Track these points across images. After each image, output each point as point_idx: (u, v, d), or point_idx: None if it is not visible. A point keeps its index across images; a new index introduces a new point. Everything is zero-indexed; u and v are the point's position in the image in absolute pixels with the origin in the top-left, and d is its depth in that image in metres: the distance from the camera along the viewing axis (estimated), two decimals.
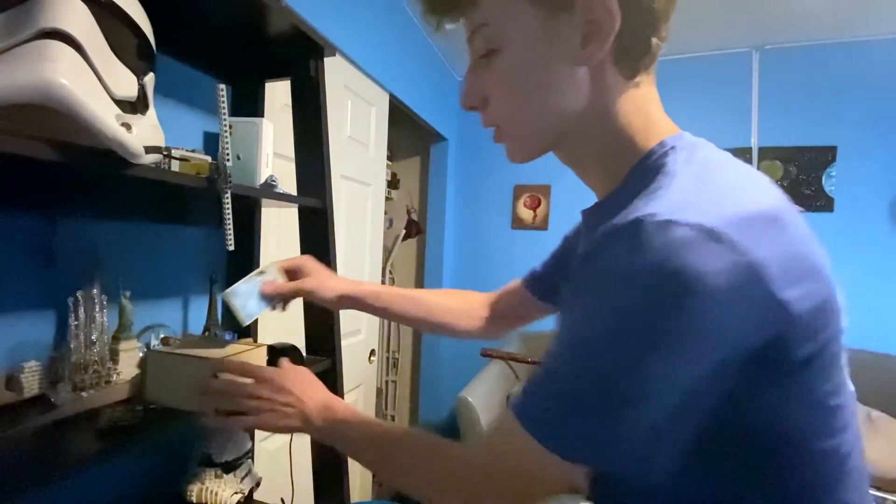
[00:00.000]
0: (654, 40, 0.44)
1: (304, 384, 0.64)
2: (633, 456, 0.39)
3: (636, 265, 0.35)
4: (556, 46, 0.44)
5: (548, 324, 2.33)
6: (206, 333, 1.06)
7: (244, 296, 0.76)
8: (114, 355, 0.82)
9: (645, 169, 0.44)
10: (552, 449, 0.39)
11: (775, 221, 0.38)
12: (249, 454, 1.09)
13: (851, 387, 0.44)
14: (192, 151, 0.85)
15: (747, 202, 0.38)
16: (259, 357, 0.85)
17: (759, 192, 0.41)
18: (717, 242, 0.34)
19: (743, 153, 2.35)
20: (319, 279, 0.82)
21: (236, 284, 0.76)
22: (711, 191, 0.39)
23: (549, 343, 0.43)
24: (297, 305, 1.12)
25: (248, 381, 0.64)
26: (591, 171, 0.52)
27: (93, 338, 0.76)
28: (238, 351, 0.79)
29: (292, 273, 0.83)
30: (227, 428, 0.80)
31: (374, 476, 2.34)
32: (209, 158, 0.85)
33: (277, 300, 0.81)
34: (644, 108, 0.47)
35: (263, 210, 1.22)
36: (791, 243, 0.38)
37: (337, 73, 1.64)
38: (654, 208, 0.36)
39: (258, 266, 1.19)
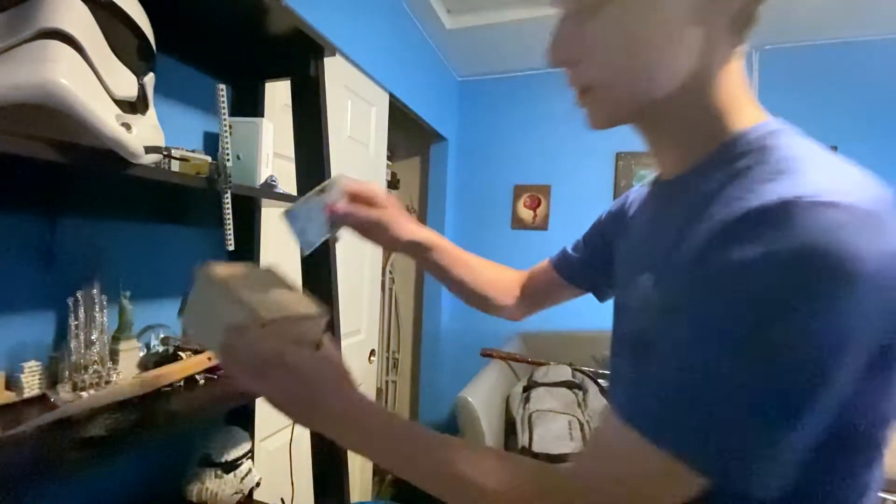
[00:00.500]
0: (758, 10, 0.41)
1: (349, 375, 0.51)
2: (775, 470, 0.34)
3: (797, 248, 0.32)
4: (677, 3, 0.39)
5: (548, 324, 2.33)
6: None
7: (303, 218, 0.61)
8: (114, 355, 0.82)
9: (746, 147, 0.41)
10: (666, 445, 0.35)
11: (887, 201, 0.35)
12: (249, 454, 1.09)
13: None
14: (192, 151, 0.85)
15: (883, 189, 0.35)
16: (315, 327, 0.80)
17: (861, 175, 0.37)
18: (878, 223, 0.32)
19: None
20: (394, 215, 0.68)
21: (295, 203, 0.62)
22: (849, 175, 0.36)
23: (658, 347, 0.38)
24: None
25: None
26: (669, 144, 0.47)
27: (93, 338, 0.76)
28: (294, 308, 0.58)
29: (360, 199, 0.67)
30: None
31: (374, 475, 2.35)
32: (209, 158, 0.85)
33: (341, 225, 0.65)
34: (741, 83, 0.44)
35: (263, 210, 1.22)
36: None
37: (337, 73, 1.64)
38: (799, 190, 0.33)
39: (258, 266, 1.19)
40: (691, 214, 0.41)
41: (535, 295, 0.85)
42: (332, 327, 1.08)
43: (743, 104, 0.44)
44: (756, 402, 0.33)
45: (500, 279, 0.85)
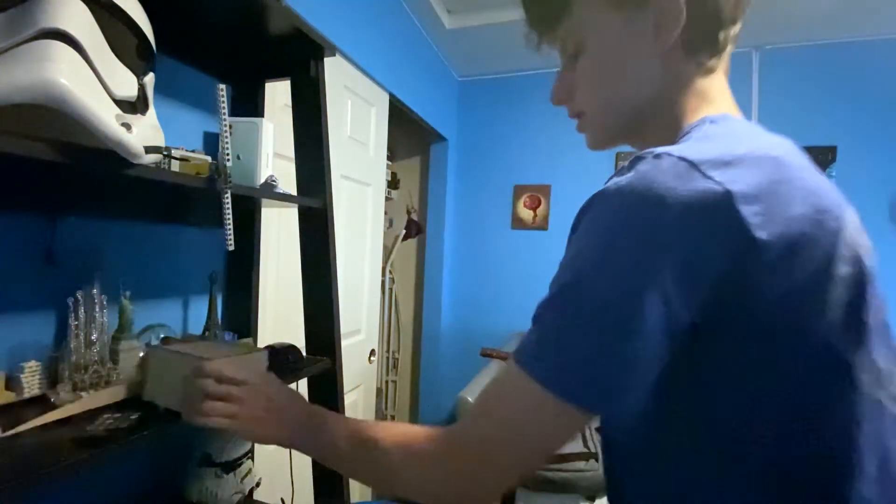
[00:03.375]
0: (722, 35, 0.49)
1: (280, 391, 0.62)
2: (616, 380, 0.39)
3: (620, 188, 0.40)
4: (634, 42, 0.50)
5: None
6: (206, 333, 1.06)
7: None
8: (114, 355, 0.81)
9: (679, 136, 0.49)
10: (548, 384, 0.40)
11: (770, 163, 0.41)
12: (249, 454, 1.09)
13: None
14: (192, 151, 0.85)
15: (740, 147, 0.42)
16: (258, 360, 0.84)
17: (761, 142, 0.44)
18: (695, 170, 0.39)
19: None
20: None
21: None
22: (712, 141, 0.44)
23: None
24: (296, 304, 1.12)
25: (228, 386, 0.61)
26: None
27: (93, 338, 0.76)
28: (235, 352, 0.78)
29: None
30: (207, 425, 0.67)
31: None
32: (209, 158, 0.85)
33: None
34: (710, 94, 0.51)
35: (263, 210, 1.22)
36: (781, 183, 0.40)
37: (337, 73, 1.64)
38: (658, 150, 0.41)
39: (258, 267, 1.19)
40: None
41: None
42: (333, 329, 1.08)
43: (701, 108, 0.51)
44: (588, 315, 0.40)
45: None
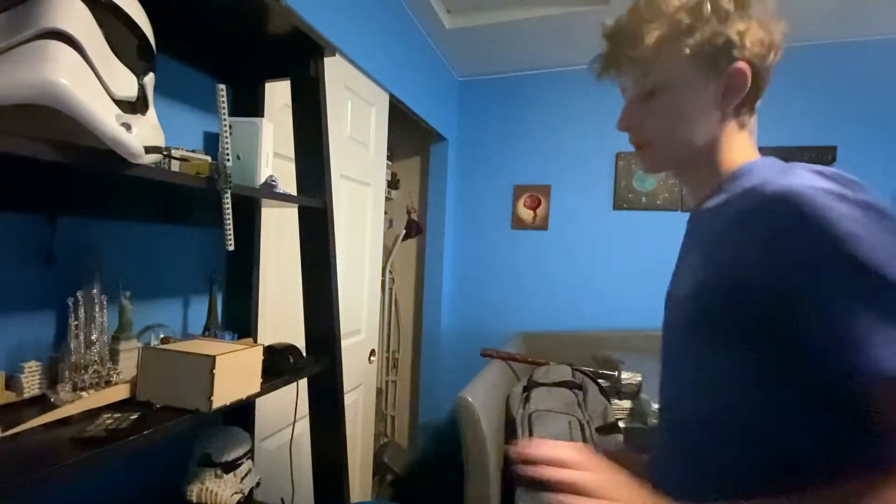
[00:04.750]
0: (758, 102, 0.64)
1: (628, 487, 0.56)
2: None
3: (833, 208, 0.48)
4: (705, 96, 0.61)
5: (548, 324, 2.32)
6: (206, 333, 1.06)
7: None
8: (114, 355, 0.82)
9: (734, 176, 0.62)
10: None
11: None
12: (249, 454, 1.09)
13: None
14: (192, 151, 0.85)
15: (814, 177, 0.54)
16: (256, 356, 0.85)
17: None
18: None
19: None
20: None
21: None
22: (786, 172, 0.55)
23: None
24: (296, 304, 1.12)
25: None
26: (691, 187, 0.69)
27: (93, 338, 0.76)
28: (235, 349, 0.79)
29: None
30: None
31: (374, 475, 2.35)
32: (209, 158, 0.85)
33: None
34: (744, 146, 0.64)
35: (263, 210, 1.22)
36: None
37: (337, 73, 1.64)
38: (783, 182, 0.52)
39: (258, 267, 1.19)
40: (703, 224, 0.63)
41: None
42: (333, 328, 1.08)
43: (735, 152, 0.63)
44: None
45: None
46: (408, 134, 2.75)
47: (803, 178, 0.50)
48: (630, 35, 0.62)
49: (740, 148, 0.64)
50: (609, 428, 1.84)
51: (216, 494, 0.97)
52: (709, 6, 0.58)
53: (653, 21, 0.61)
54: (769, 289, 0.49)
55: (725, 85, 0.60)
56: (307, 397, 1.12)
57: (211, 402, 0.71)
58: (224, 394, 0.75)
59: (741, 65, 0.59)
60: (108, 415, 0.66)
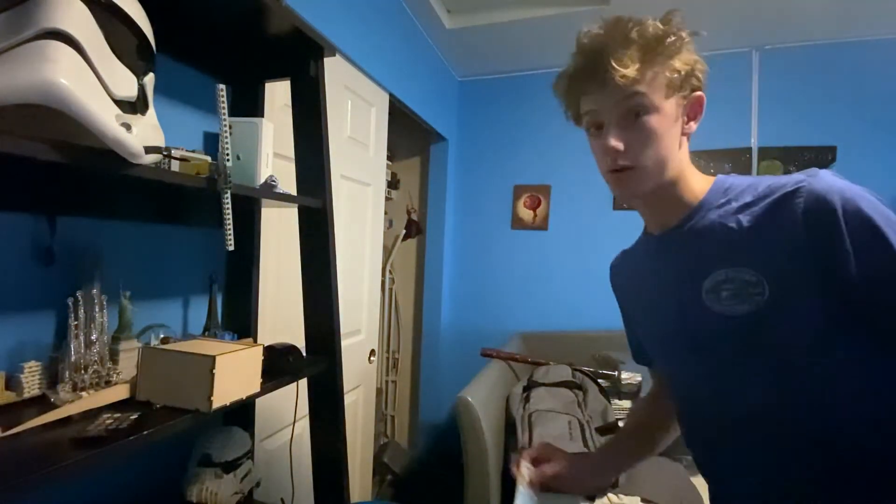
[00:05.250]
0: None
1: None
2: None
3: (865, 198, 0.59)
4: (677, 120, 0.66)
5: (548, 324, 2.31)
6: (206, 333, 1.06)
7: None
8: (114, 355, 0.82)
9: (720, 191, 0.68)
10: None
11: None
12: (249, 454, 1.09)
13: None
14: (192, 151, 0.85)
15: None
16: (256, 356, 0.85)
17: None
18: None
19: (743, 153, 2.35)
20: (571, 469, 0.89)
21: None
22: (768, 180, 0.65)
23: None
24: (296, 304, 1.12)
25: None
26: (661, 208, 0.71)
27: (93, 338, 0.76)
28: (235, 349, 0.79)
29: (540, 460, 0.90)
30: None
31: (374, 475, 2.35)
32: (209, 158, 0.85)
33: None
34: (691, 164, 0.70)
35: (263, 210, 1.22)
36: None
37: (337, 73, 1.64)
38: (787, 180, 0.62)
39: (258, 267, 1.19)
40: (715, 235, 0.66)
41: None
42: (333, 328, 1.08)
43: (696, 176, 0.70)
44: None
45: (666, 415, 0.88)
46: (408, 134, 2.75)
47: (829, 177, 0.59)
48: (622, 56, 0.62)
49: (693, 169, 0.70)
50: (609, 428, 1.84)
51: (216, 494, 0.97)
52: (674, 37, 0.63)
53: (643, 45, 0.63)
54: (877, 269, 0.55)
55: (688, 112, 0.67)
56: (307, 397, 1.12)
57: (211, 402, 0.71)
58: (224, 394, 0.75)
59: (700, 93, 0.66)
60: (108, 415, 0.66)
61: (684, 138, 0.68)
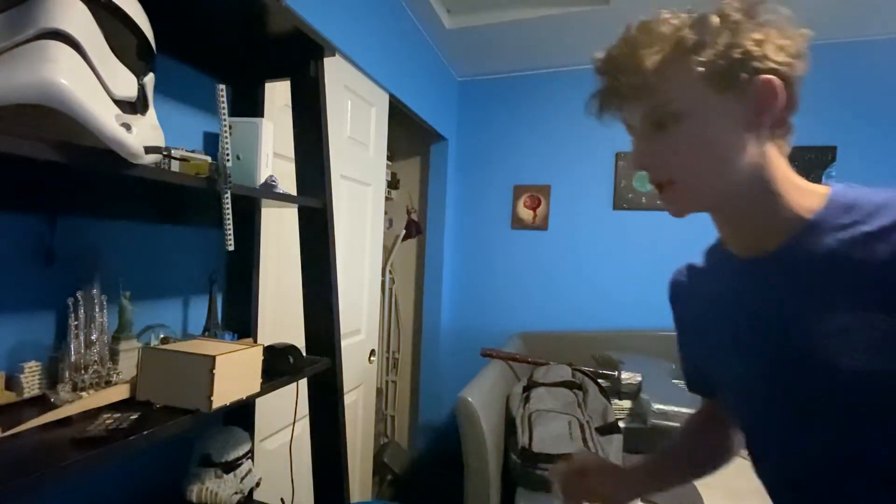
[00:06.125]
0: (791, 120, 0.56)
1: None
2: None
3: None
4: (729, 117, 0.54)
5: (548, 324, 2.32)
6: (206, 333, 1.06)
7: None
8: (114, 355, 0.82)
9: (840, 208, 0.53)
10: None
11: None
12: (249, 454, 1.09)
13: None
14: (192, 151, 0.85)
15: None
16: (256, 356, 0.85)
17: None
18: None
19: None
20: (606, 482, 0.83)
21: None
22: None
23: None
24: (296, 304, 1.12)
25: None
26: (747, 226, 0.59)
27: (93, 338, 0.76)
28: (235, 349, 0.79)
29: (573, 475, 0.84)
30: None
31: (374, 475, 2.35)
32: (209, 158, 0.85)
33: None
34: (789, 171, 0.57)
35: (263, 210, 1.22)
36: None
37: (337, 73, 1.64)
38: None
39: (258, 267, 1.19)
40: (837, 267, 0.52)
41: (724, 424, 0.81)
42: (333, 328, 1.08)
43: (799, 186, 0.56)
44: None
45: (708, 448, 0.82)
46: (408, 134, 2.75)
47: None
48: (627, 63, 0.56)
49: (794, 176, 0.56)
50: (609, 428, 1.84)
51: (216, 494, 0.97)
52: (717, 17, 0.53)
53: (651, 46, 0.55)
54: None
55: (754, 102, 0.53)
56: (307, 397, 1.12)
57: (211, 402, 0.72)
58: (224, 394, 0.75)
59: (767, 76, 0.52)
60: (108, 415, 0.66)
61: (758, 137, 0.54)
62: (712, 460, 0.81)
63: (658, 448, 0.84)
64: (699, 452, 0.82)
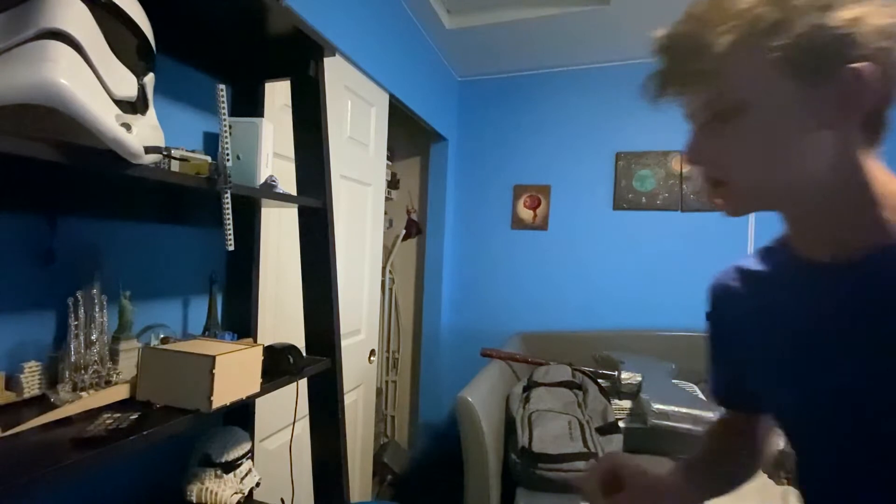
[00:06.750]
0: (889, 115, 0.47)
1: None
2: None
3: None
4: (806, 112, 0.46)
5: (548, 324, 2.32)
6: (206, 333, 1.06)
7: None
8: (114, 355, 0.82)
9: None
10: None
11: None
12: (249, 454, 1.09)
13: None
14: (192, 151, 0.85)
15: None
16: (256, 356, 0.85)
17: None
18: None
19: None
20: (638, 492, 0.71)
21: None
22: None
23: None
24: (296, 304, 1.12)
25: None
26: (824, 231, 0.52)
27: (93, 338, 0.76)
28: (235, 349, 0.79)
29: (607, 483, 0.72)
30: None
31: (374, 475, 2.35)
32: (209, 158, 0.85)
33: None
34: (883, 173, 0.49)
35: (263, 210, 1.22)
36: None
37: (337, 73, 1.64)
38: None
39: (258, 267, 1.19)
40: None
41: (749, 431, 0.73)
42: (333, 328, 1.08)
43: (885, 179, 0.48)
44: None
45: (735, 455, 0.74)
46: (408, 134, 2.75)
47: None
48: (693, 45, 0.48)
49: (884, 173, 0.49)
50: (609, 428, 1.84)
51: (216, 494, 0.97)
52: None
53: (723, 23, 0.46)
54: None
55: (839, 95, 0.44)
56: (307, 397, 1.12)
57: (211, 402, 0.72)
58: (224, 394, 0.75)
59: (860, 65, 0.43)
60: (108, 415, 0.66)
61: (844, 136, 0.47)
62: (740, 478, 0.73)
63: (684, 464, 0.74)
64: (727, 471, 0.74)
